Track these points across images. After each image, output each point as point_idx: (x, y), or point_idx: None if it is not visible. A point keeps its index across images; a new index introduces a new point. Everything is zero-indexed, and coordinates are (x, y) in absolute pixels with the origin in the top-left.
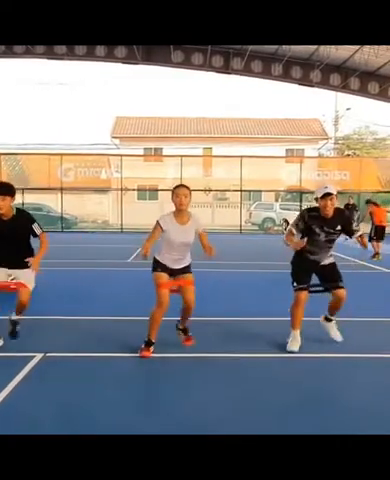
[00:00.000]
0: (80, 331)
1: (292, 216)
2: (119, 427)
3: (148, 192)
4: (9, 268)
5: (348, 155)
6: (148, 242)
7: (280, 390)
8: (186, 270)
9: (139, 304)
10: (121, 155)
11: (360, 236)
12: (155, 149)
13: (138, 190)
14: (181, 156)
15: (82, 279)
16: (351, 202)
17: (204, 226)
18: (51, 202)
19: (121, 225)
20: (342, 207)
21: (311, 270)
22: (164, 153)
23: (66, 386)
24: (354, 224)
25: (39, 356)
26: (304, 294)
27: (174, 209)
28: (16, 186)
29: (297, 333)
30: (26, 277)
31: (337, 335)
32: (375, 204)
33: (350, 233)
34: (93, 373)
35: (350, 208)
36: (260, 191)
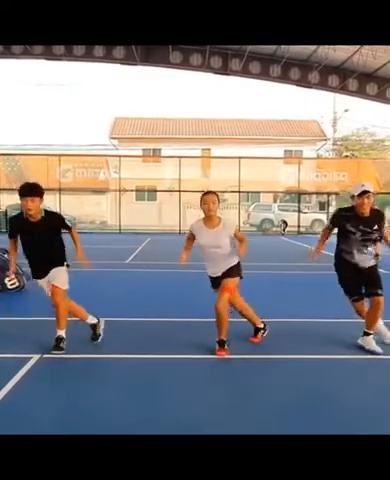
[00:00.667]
0: (77, 332)
1: (290, 217)
2: (119, 427)
3: (146, 193)
4: (47, 274)
5: (346, 156)
6: (184, 251)
7: (280, 390)
8: (227, 274)
9: (137, 305)
10: (120, 156)
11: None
12: (153, 150)
13: (136, 191)
14: (180, 157)
15: (80, 280)
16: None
17: (235, 227)
18: (49, 203)
19: (119, 226)
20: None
21: (356, 276)
22: (162, 154)
23: (64, 387)
24: (386, 225)
25: (36, 357)
26: (360, 304)
27: (202, 215)
28: (14, 187)
29: (380, 326)
30: (57, 276)
31: (377, 347)
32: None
33: (381, 234)
34: (92, 374)
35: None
36: (258, 192)
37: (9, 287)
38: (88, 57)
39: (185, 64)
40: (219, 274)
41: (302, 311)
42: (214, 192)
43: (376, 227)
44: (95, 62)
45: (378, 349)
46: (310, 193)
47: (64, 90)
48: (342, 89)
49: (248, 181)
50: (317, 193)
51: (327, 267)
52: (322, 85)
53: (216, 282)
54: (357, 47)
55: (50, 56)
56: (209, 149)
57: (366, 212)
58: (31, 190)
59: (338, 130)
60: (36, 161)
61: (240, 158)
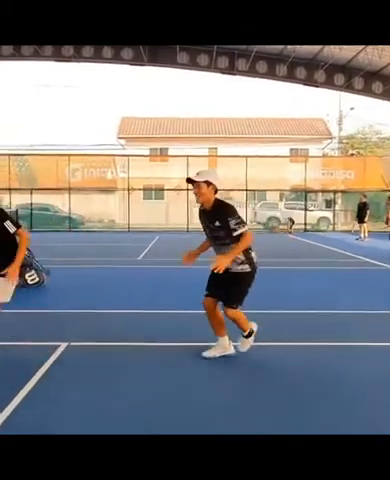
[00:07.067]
0: (100, 322)
1: (297, 215)
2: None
3: (154, 192)
4: None
5: (352, 154)
6: None
7: (279, 391)
8: None
9: (151, 299)
10: (127, 155)
11: (241, 234)
12: (161, 149)
13: (144, 190)
14: (187, 156)
15: (96, 276)
16: (363, 200)
17: None
18: (58, 202)
19: (128, 224)
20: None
21: (214, 274)
22: (170, 153)
23: (91, 374)
24: (232, 222)
25: (64, 345)
26: (207, 301)
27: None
28: (24, 186)
29: (220, 339)
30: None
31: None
32: None
33: (230, 232)
34: (112, 362)
35: (363, 207)
36: (265, 191)
37: (29, 283)
38: (97, 58)
39: (192, 64)
40: None
41: (314, 304)
42: None
43: (218, 224)
44: (103, 63)
45: (231, 350)
46: (316, 191)
47: (72, 90)
48: (348, 88)
49: (255, 179)
50: (323, 191)
51: (334, 263)
52: (328, 84)
53: None
54: (363, 46)
55: (59, 58)
56: (216, 148)
57: (204, 204)
58: None
59: (344, 128)
60: (45, 161)
61: (247, 157)
